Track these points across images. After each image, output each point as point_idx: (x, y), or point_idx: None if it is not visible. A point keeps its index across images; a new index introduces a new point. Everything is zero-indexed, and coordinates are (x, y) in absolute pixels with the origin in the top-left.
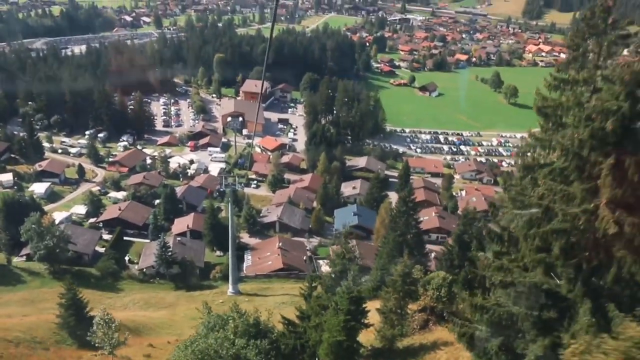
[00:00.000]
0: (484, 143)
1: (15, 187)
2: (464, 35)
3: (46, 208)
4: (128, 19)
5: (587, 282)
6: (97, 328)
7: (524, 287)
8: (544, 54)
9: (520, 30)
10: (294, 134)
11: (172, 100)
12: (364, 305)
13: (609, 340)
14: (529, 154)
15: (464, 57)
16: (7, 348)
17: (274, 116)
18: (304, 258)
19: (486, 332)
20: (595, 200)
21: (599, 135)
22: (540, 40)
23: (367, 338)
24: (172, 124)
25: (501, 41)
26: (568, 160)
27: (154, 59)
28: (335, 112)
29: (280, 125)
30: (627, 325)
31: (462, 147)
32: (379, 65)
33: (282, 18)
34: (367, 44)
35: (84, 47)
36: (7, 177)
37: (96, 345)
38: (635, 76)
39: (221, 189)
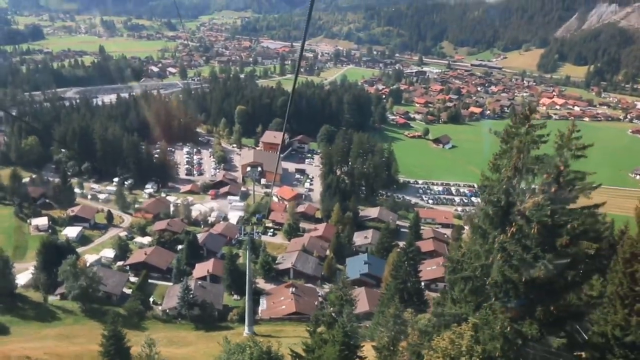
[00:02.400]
0: None
1: (50, 231)
2: (478, 88)
3: (78, 251)
4: (155, 69)
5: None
6: (142, 350)
7: (450, 316)
8: (557, 107)
9: (534, 84)
10: (310, 184)
11: (195, 150)
12: (356, 338)
13: (448, 332)
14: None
15: (478, 110)
16: None
17: (291, 166)
18: (316, 303)
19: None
20: (491, 257)
21: (489, 215)
22: (554, 93)
23: None
24: (195, 172)
25: (515, 94)
26: (476, 230)
27: (179, 109)
28: (350, 163)
29: (297, 175)
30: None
31: (473, 198)
32: (394, 117)
33: (302, 70)
34: (384, 96)
35: (113, 97)
36: (43, 222)
37: None
38: (509, 179)
39: (240, 237)
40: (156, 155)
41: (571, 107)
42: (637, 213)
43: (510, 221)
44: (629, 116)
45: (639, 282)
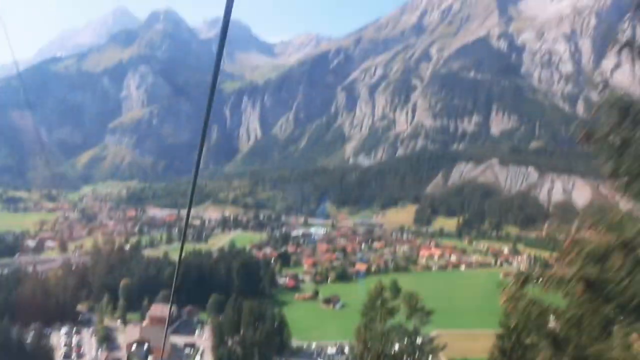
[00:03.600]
0: None
1: None
2: (362, 245)
3: None
4: (31, 244)
5: None
6: None
7: None
8: (436, 257)
9: (413, 237)
10: (201, 358)
11: (74, 330)
12: None
13: None
14: None
15: (363, 267)
16: None
17: (180, 340)
18: None
19: None
20: None
21: None
22: (431, 245)
23: None
24: (73, 355)
25: (397, 248)
26: None
27: (57, 287)
28: (241, 332)
29: (186, 350)
30: None
31: None
32: (284, 280)
33: (190, 237)
34: (272, 260)
35: None
36: None
37: None
38: (361, 352)
39: None
40: (29, 341)
41: (448, 256)
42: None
43: None
44: (499, 261)
45: None
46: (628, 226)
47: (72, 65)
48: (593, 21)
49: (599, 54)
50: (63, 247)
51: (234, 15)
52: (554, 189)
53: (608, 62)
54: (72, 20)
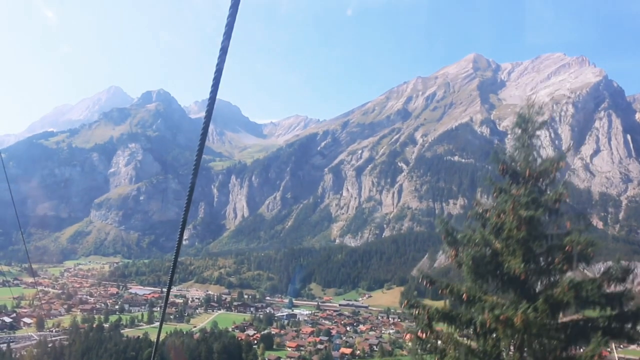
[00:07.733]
0: None
1: None
2: (348, 328)
3: None
4: (7, 320)
5: None
6: None
7: None
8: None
9: (399, 320)
10: None
11: None
12: None
13: None
14: None
15: (348, 351)
16: None
17: None
18: None
19: None
20: None
21: None
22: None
23: None
24: None
25: (382, 332)
26: None
27: None
28: None
29: None
30: None
31: None
32: None
33: (171, 317)
34: (255, 342)
35: None
36: None
37: None
38: None
39: None
40: None
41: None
42: None
43: None
44: None
45: None
46: None
47: (63, 140)
48: (571, 109)
49: (578, 140)
50: (40, 324)
51: (225, 96)
52: None
53: (587, 148)
54: (66, 97)
